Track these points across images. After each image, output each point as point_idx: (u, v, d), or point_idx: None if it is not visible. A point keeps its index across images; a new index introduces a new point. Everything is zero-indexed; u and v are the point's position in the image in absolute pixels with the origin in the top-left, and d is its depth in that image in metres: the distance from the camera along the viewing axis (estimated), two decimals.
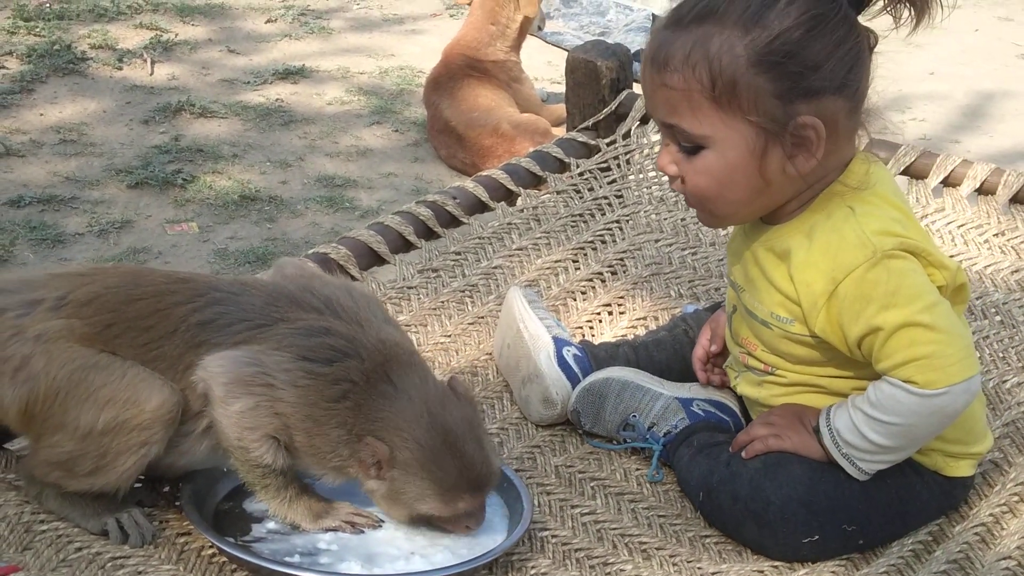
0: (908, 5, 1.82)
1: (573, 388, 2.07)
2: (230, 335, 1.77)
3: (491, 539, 1.81)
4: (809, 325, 1.82)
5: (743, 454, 1.90)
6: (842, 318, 1.78)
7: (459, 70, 5.05)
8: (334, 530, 1.80)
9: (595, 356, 2.13)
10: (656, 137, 2.87)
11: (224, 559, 1.77)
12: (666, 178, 2.77)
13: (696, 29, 1.76)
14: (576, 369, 2.08)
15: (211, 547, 1.78)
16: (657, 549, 1.87)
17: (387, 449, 1.74)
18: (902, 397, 1.77)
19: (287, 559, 1.76)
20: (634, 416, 2.03)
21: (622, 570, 1.83)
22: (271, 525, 1.82)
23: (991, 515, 1.94)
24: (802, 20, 1.74)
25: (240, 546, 1.77)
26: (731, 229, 2.05)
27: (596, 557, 1.85)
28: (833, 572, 1.86)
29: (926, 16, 1.83)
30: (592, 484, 1.99)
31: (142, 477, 1.87)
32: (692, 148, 1.80)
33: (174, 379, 1.76)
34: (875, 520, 1.87)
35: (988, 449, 1.97)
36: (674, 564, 1.85)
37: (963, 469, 1.93)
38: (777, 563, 1.87)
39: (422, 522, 1.80)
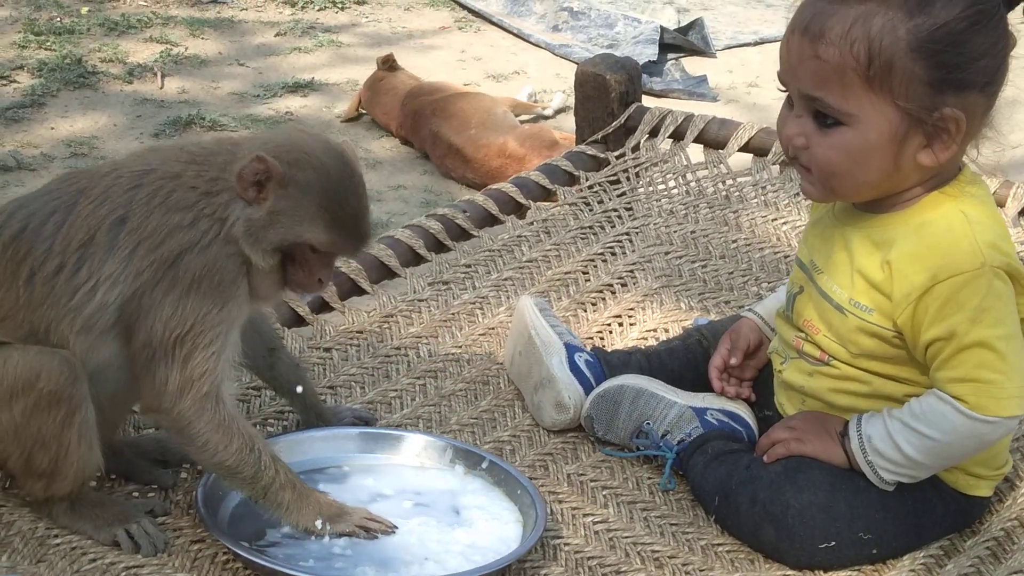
0: None
1: (585, 393, 2.07)
2: (48, 237, 1.75)
3: (505, 545, 1.82)
4: (893, 315, 1.81)
5: (765, 458, 1.90)
6: (926, 316, 1.78)
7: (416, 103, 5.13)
8: (348, 535, 1.79)
9: (608, 363, 2.13)
10: (665, 150, 2.88)
11: (239, 565, 1.77)
12: (676, 191, 2.80)
13: (858, 5, 1.76)
14: (588, 374, 2.09)
15: (225, 553, 1.79)
16: (670, 558, 1.88)
17: (279, 165, 1.72)
18: (949, 413, 1.78)
19: (301, 564, 1.76)
20: (648, 424, 2.03)
21: None
22: (285, 529, 1.82)
23: (1002, 529, 1.95)
24: (967, 13, 1.75)
25: (254, 551, 1.77)
26: (809, 210, 2.02)
27: (609, 565, 1.85)
28: None
29: None
30: (604, 492, 1.99)
31: (155, 486, 1.89)
32: (831, 122, 1.80)
33: (21, 300, 1.75)
34: (890, 530, 1.87)
35: (1007, 472, 1.97)
36: (687, 573, 1.86)
37: (982, 490, 1.93)
38: (789, 572, 1.88)
39: (277, 259, 1.78)
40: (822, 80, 1.78)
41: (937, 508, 1.90)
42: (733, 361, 2.05)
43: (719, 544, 1.91)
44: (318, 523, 1.79)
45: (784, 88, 1.85)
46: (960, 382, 1.77)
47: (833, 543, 1.85)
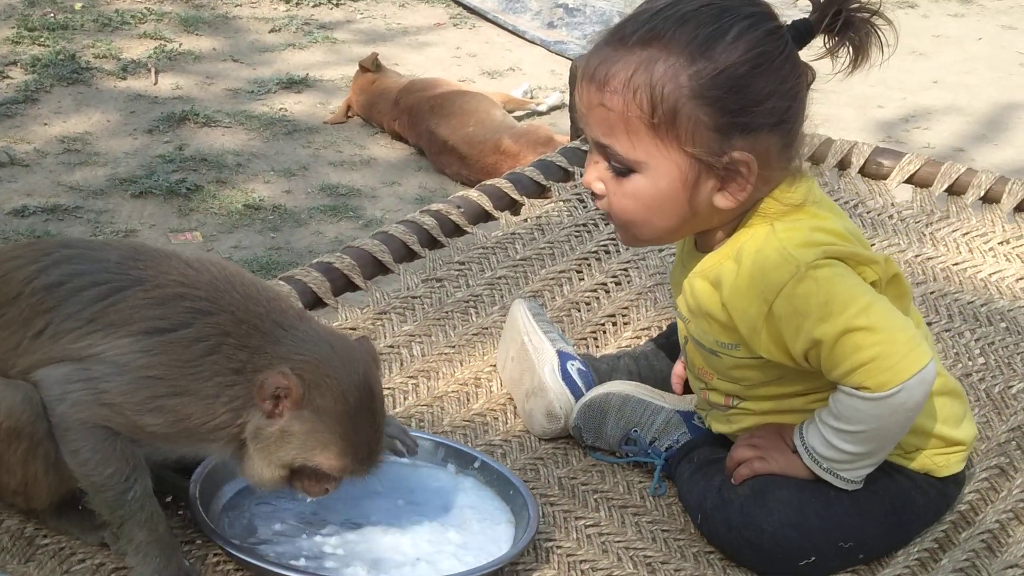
0: (847, 46, 1.78)
1: (576, 401, 2.06)
2: (81, 303, 1.66)
3: (497, 547, 1.81)
4: (753, 349, 1.80)
5: (732, 480, 1.88)
6: (784, 336, 1.76)
7: (413, 99, 5.11)
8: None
9: (597, 370, 2.11)
10: None
11: (231, 567, 1.76)
12: None
13: (641, 51, 1.73)
14: (580, 383, 2.08)
15: (216, 554, 1.77)
16: (662, 563, 1.86)
17: (299, 384, 1.63)
18: (859, 404, 1.75)
19: (292, 562, 1.75)
20: (635, 431, 2.02)
21: None
22: (277, 527, 1.81)
23: (997, 522, 1.94)
24: (749, 57, 1.71)
25: (245, 548, 1.75)
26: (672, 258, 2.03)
27: (601, 569, 1.84)
28: None
29: (864, 57, 1.78)
30: (596, 496, 1.98)
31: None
32: (623, 170, 1.77)
33: (21, 347, 1.67)
34: (872, 533, 1.86)
35: (973, 439, 1.94)
36: None
37: (953, 466, 1.91)
38: None
39: (284, 474, 1.70)
40: (610, 128, 1.75)
41: (918, 500, 1.89)
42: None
43: (711, 552, 1.90)
44: None
45: (583, 132, 1.82)
46: (851, 373, 1.73)
47: (813, 558, 1.83)
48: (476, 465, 1.95)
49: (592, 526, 1.92)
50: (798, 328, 1.74)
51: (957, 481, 1.94)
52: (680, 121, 1.71)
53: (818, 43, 1.80)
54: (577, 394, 2.06)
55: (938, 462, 1.89)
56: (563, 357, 2.10)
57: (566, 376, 2.08)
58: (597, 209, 2.67)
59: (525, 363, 2.11)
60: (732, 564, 1.88)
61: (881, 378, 1.72)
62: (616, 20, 6.66)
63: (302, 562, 1.75)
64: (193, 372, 1.66)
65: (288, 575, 1.72)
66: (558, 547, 1.87)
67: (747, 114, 1.72)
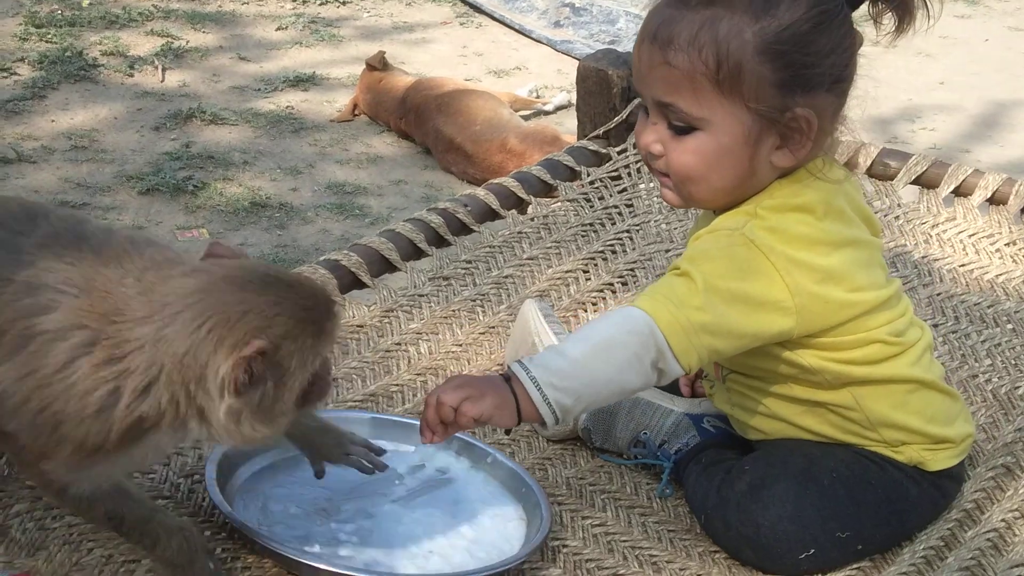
0: (892, 10, 1.82)
1: None
2: None
3: (508, 544, 1.82)
4: None
5: (423, 437, 1.73)
6: None
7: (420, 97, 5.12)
8: None
9: None
10: None
11: (235, 544, 1.75)
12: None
13: (704, 10, 1.76)
14: None
15: (227, 544, 1.77)
16: (667, 562, 1.87)
17: (261, 342, 1.45)
18: (611, 313, 1.79)
19: (307, 549, 1.74)
20: (644, 433, 2.02)
21: None
22: (292, 510, 1.82)
23: (1003, 521, 1.94)
24: (811, 14, 1.75)
25: (262, 534, 1.75)
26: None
27: (607, 568, 1.84)
28: None
29: (909, 22, 1.82)
30: (603, 496, 1.99)
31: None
32: (684, 128, 1.79)
33: None
34: (867, 523, 1.87)
35: (966, 437, 1.95)
36: None
37: (943, 461, 1.92)
38: None
39: (294, 413, 1.56)
40: (672, 86, 1.77)
41: (910, 490, 1.90)
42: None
43: (716, 552, 1.90)
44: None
45: (639, 96, 1.85)
46: (641, 294, 1.76)
47: (812, 551, 1.84)
48: (489, 460, 1.95)
49: (598, 525, 1.92)
50: (684, 256, 1.78)
51: (952, 476, 1.95)
52: (744, 77, 1.74)
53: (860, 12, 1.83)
54: None
55: (926, 456, 1.90)
56: None
57: None
58: (606, 208, 2.69)
59: None
60: (736, 563, 1.88)
61: (641, 299, 1.74)
62: (623, 20, 6.64)
63: (316, 548, 1.75)
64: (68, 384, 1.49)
65: (320, 566, 1.71)
66: (564, 546, 1.87)
67: (809, 71, 1.76)
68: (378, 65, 5.36)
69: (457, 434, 1.93)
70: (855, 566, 1.88)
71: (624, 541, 1.90)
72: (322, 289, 1.59)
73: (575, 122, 3.01)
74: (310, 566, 1.71)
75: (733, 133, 1.77)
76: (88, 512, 1.66)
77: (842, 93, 1.81)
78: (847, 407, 1.86)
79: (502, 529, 1.84)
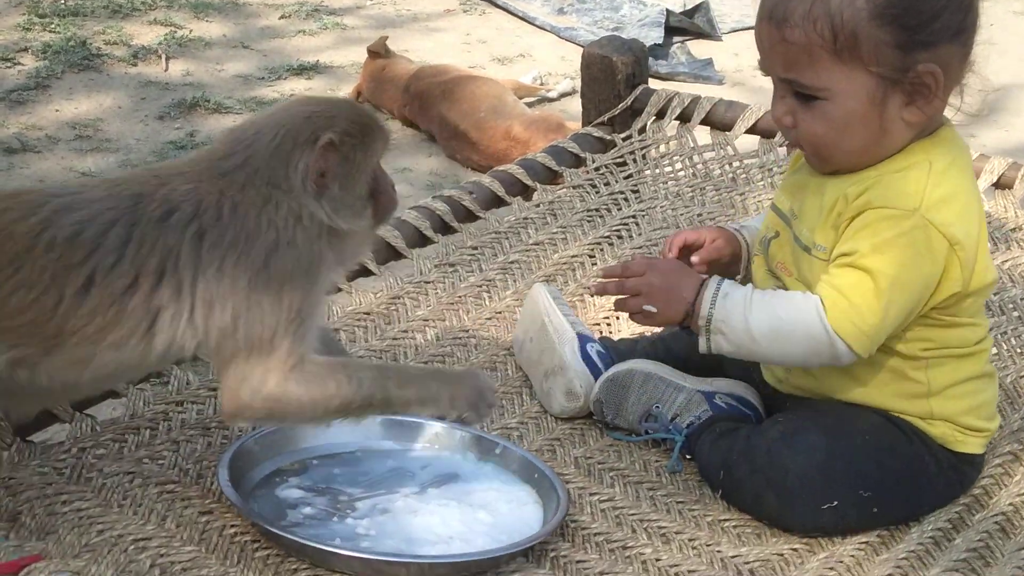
0: None
1: (596, 382, 2.07)
2: (114, 248, 1.68)
3: (527, 527, 1.83)
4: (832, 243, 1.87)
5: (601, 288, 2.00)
6: (844, 234, 1.84)
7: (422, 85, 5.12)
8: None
9: (616, 350, 2.14)
10: (672, 132, 2.87)
11: (247, 538, 1.77)
12: (683, 173, 2.80)
13: None
14: (600, 365, 2.10)
15: (234, 526, 1.78)
16: (676, 533, 1.88)
17: (330, 135, 1.75)
18: (807, 309, 1.83)
19: (328, 543, 1.75)
20: (657, 407, 2.04)
21: (641, 553, 1.84)
22: (307, 510, 1.83)
23: (1011, 504, 1.96)
24: None
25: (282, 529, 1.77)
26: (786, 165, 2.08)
27: (616, 541, 1.86)
28: (852, 556, 1.87)
29: None
30: (611, 474, 2.00)
31: None
32: (810, 98, 1.85)
33: (62, 307, 1.66)
34: (888, 486, 1.90)
35: (996, 429, 2.00)
36: (693, 548, 1.87)
37: (971, 446, 1.95)
38: (796, 545, 1.89)
39: (371, 208, 1.83)
40: (792, 61, 1.84)
41: (930, 465, 1.93)
42: (694, 259, 2.04)
43: (725, 519, 1.92)
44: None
45: (765, 73, 1.90)
46: (832, 289, 1.83)
47: (836, 503, 1.87)
48: (498, 451, 1.96)
49: (607, 501, 1.94)
50: (856, 237, 1.83)
51: (973, 463, 1.97)
52: (862, 43, 1.80)
53: None
54: (597, 375, 2.09)
55: (957, 437, 1.93)
56: (583, 339, 2.12)
57: (586, 356, 2.10)
58: (611, 194, 2.69)
59: (545, 343, 2.12)
60: (747, 530, 1.89)
61: (840, 317, 1.82)
62: (626, 6, 6.60)
63: (337, 542, 1.76)
64: (250, 233, 1.72)
65: (328, 548, 1.72)
66: (572, 520, 1.88)
67: (926, 28, 1.80)
68: (381, 51, 5.36)
69: (464, 428, 1.99)
70: (863, 539, 1.89)
71: (632, 515, 1.91)
72: (366, 107, 1.85)
73: (579, 109, 3.02)
74: (341, 555, 1.71)
75: (858, 98, 1.83)
76: (351, 396, 1.74)
77: (965, 42, 1.85)
78: (916, 373, 1.91)
79: (519, 513, 1.86)
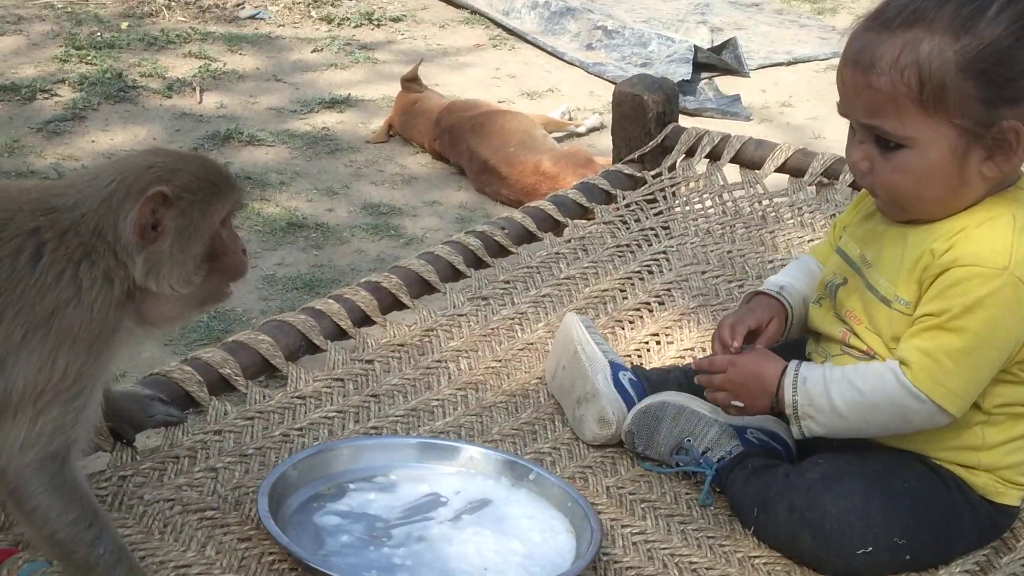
0: None
1: (628, 410, 2.10)
2: None
3: (560, 557, 1.84)
4: (916, 297, 1.87)
5: (706, 394, 2.01)
6: (930, 291, 1.84)
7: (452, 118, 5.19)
8: None
9: (648, 380, 2.16)
10: (701, 170, 2.91)
11: (285, 566, 1.79)
12: (712, 210, 2.84)
13: (904, 33, 1.81)
14: (632, 393, 2.12)
15: (272, 553, 1.81)
16: (707, 569, 1.90)
17: (165, 188, 1.65)
18: (887, 375, 1.84)
19: (364, 574, 1.78)
20: (688, 440, 2.06)
21: None
22: (344, 539, 1.85)
23: None
24: (1012, 30, 1.80)
25: (320, 561, 1.78)
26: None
27: None
28: None
29: None
30: (643, 505, 2.02)
31: None
32: (892, 146, 1.86)
33: None
34: (922, 536, 1.91)
35: None
36: None
37: (1010, 498, 1.96)
38: None
39: (204, 269, 1.72)
40: (877, 108, 1.84)
41: (966, 516, 1.93)
42: (735, 344, 2.05)
43: (755, 556, 1.93)
44: None
45: (846, 116, 1.90)
46: (921, 353, 1.83)
47: (871, 548, 1.88)
48: (531, 477, 1.99)
49: (638, 533, 1.95)
50: (945, 296, 1.82)
51: (1010, 513, 1.98)
52: (948, 96, 1.80)
53: None
54: (629, 402, 2.11)
55: (999, 489, 1.94)
56: (615, 367, 2.15)
57: (618, 384, 2.12)
58: (642, 230, 2.73)
59: (577, 371, 2.16)
60: (777, 567, 1.91)
61: (924, 376, 1.82)
62: (655, 42, 6.63)
63: (373, 574, 1.78)
64: (43, 288, 1.64)
65: None
66: (604, 554, 1.90)
67: (1014, 84, 1.80)
68: (414, 77, 5.42)
69: (498, 452, 2.03)
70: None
71: (663, 549, 1.93)
72: (222, 164, 1.80)
73: (608, 144, 3.05)
74: None
75: (940, 149, 1.83)
76: (67, 497, 1.63)
77: None
78: (976, 427, 1.91)
79: (552, 543, 1.87)
